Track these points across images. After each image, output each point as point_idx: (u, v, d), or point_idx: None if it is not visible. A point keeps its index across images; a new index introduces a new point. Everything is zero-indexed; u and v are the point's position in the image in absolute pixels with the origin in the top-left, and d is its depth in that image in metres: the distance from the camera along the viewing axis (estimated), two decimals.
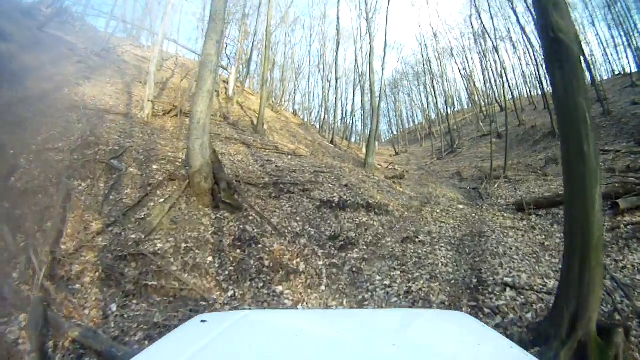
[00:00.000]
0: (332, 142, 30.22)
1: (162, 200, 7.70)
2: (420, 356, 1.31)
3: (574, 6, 28.21)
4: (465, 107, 53.57)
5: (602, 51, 32.93)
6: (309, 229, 8.10)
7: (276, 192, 9.64)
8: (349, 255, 7.22)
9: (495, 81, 40.25)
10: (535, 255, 7.22)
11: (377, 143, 59.73)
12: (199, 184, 8.05)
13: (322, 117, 39.52)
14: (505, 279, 6.09)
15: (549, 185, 11.86)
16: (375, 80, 25.53)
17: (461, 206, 11.11)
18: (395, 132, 58.61)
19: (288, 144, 19.50)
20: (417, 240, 7.96)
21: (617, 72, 31.60)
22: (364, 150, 32.74)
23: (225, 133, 15.54)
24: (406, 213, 10.07)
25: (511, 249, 7.50)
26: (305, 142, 24.25)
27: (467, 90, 43.08)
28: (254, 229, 7.61)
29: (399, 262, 6.91)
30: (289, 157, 14.71)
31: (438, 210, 10.49)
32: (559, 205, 9.66)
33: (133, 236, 6.45)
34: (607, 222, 8.27)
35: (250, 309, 5.15)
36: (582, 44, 28.12)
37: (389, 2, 25.34)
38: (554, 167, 16.43)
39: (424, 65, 39.96)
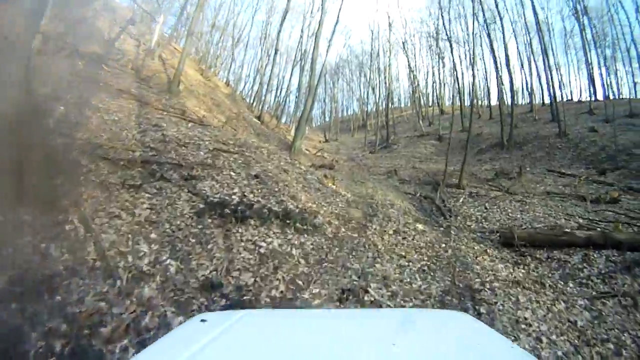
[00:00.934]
0: (259, 118, 25.85)
1: None
2: (420, 356, 1.29)
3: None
4: (403, 105, 51.57)
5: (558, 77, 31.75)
6: (169, 261, 3.97)
7: (141, 178, 5.56)
8: None
9: (441, 84, 38.43)
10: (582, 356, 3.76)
11: (307, 127, 56.12)
12: None
13: (255, 92, 34.89)
14: None
15: (533, 211, 8.68)
16: (317, 57, 21.63)
17: (420, 226, 7.48)
18: (327, 119, 54.73)
19: (201, 111, 14.98)
20: (365, 297, 4.13)
21: (568, 99, 30.68)
22: (293, 132, 28.84)
23: (120, 85, 11.11)
24: (343, 230, 6.20)
25: (540, 340, 3.93)
26: (229, 114, 20.19)
27: (411, 86, 40.49)
28: (61, 255, 3.48)
29: None
30: (191, 125, 10.30)
31: (391, 231, 6.73)
32: (563, 246, 6.56)
33: None
34: None
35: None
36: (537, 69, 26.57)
37: None
38: (507, 181, 13.98)
39: (370, 55, 36.54)
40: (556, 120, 21.69)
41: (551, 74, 23.42)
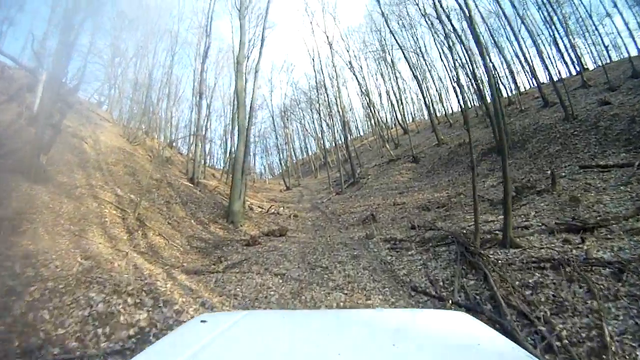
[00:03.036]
0: (192, 180, 19.47)
1: None
2: (420, 356, 1.21)
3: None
4: (362, 133, 46.32)
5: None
6: None
7: None
8: None
9: (399, 102, 33.47)
10: None
11: (267, 177, 49.83)
12: None
13: (203, 149, 28.91)
14: None
15: None
16: (243, 88, 15.91)
17: None
18: (287, 164, 48.26)
19: (45, 196, 8.91)
20: None
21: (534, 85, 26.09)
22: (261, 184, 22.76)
23: None
24: None
25: None
26: (147, 182, 14.46)
27: (368, 109, 35.24)
28: None
29: None
30: None
31: None
32: None
33: None
34: None
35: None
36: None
37: None
38: (540, 197, 8.77)
39: (316, 85, 30.92)
40: (550, 104, 16.77)
41: (541, 56, 18.64)
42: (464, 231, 7.15)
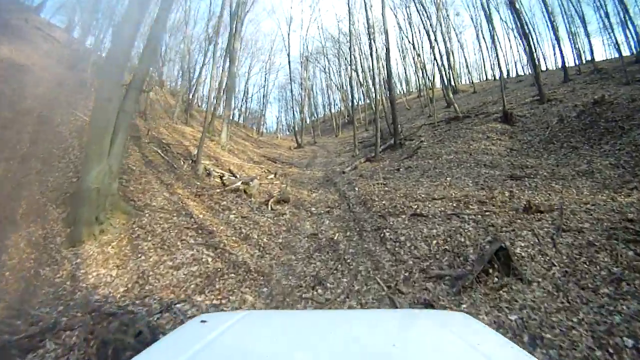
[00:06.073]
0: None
1: None
2: (420, 356, 1.12)
3: None
4: (397, 92, 37.00)
5: None
6: None
7: None
8: None
9: (449, 55, 25.06)
10: None
11: (283, 133, 41.38)
12: None
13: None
14: None
15: None
16: None
17: None
18: (302, 116, 38.17)
19: None
20: None
21: None
22: (224, 137, 14.79)
23: None
24: None
25: None
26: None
27: (415, 64, 26.53)
28: None
29: None
30: None
31: None
32: None
33: None
34: None
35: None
36: None
37: None
38: None
39: (349, 24, 20.80)
40: None
41: None
42: None
